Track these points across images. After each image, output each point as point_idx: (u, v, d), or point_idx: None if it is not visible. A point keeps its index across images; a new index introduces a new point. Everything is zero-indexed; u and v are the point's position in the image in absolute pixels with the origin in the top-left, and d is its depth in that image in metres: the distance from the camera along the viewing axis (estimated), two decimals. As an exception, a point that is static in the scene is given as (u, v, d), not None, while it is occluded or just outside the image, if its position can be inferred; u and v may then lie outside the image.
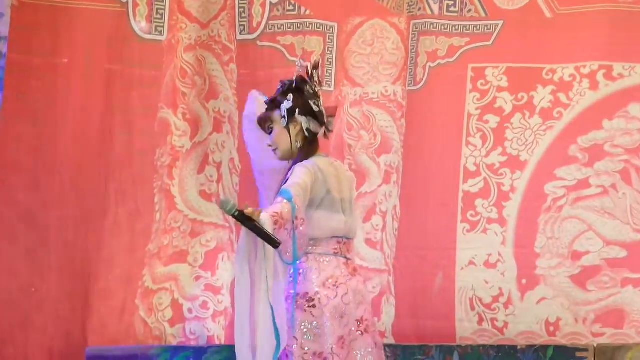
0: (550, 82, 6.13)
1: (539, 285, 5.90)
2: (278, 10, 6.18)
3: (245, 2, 6.16)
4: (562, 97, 6.12)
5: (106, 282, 5.89)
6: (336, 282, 4.43)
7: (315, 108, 4.52)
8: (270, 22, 6.18)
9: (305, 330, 4.33)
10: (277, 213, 4.11)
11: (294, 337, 4.31)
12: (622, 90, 6.09)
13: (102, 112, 5.92)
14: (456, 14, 6.22)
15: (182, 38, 6.06)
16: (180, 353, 5.85)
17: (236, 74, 6.11)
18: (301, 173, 4.35)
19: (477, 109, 6.15)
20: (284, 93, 4.56)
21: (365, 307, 4.50)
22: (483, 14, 6.20)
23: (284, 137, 4.51)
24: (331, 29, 6.22)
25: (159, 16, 6.07)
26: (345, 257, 4.53)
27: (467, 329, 6.04)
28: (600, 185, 5.89)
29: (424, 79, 6.17)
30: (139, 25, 6.00)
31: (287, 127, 4.50)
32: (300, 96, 4.51)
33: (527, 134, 6.06)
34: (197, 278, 6.09)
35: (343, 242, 4.53)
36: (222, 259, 6.11)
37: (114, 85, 5.94)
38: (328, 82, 6.18)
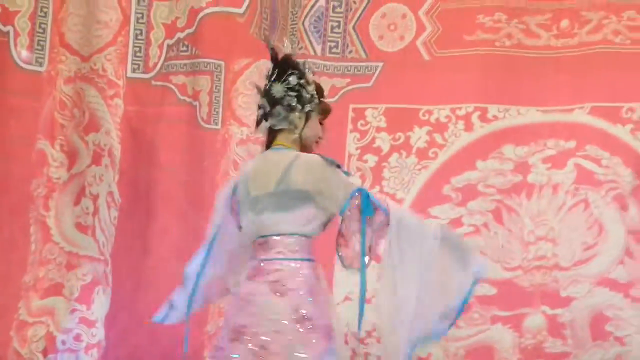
0: (427, 122, 6.38)
1: (413, 320, 6.14)
2: (173, 51, 6.49)
3: (141, 42, 6.47)
4: (438, 137, 6.37)
5: (-19, 311, 6.08)
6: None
7: None
8: (166, 63, 6.50)
9: None
10: None
11: None
12: (496, 132, 6.37)
13: (-22, 139, 6.18)
14: (338, 55, 6.52)
15: (61, 70, 6.33)
16: None
17: (122, 109, 6.35)
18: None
19: (357, 148, 6.41)
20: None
21: (250, 311, 4.41)
22: (364, 56, 6.50)
23: None
24: (219, 68, 6.50)
25: (39, 47, 6.32)
26: (259, 260, 4.47)
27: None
28: (473, 224, 6.12)
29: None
30: (20, 55, 6.22)
31: None
32: None
33: (404, 173, 6.29)
34: (73, 311, 6.25)
35: (257, 242, 4.46)
36: (98, 293, 6.28)
37: (-9, 113, 6.22)
38: (215, 120, 6.47)
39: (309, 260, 4.40)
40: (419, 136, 6.40)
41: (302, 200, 4.38)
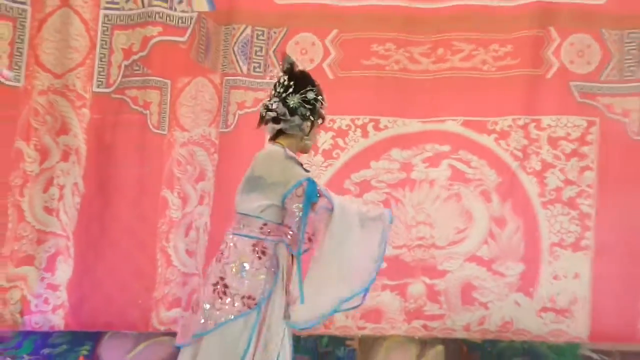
0: (331, 129, 6.88)
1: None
2: (128, 70, 6.98)
3: (104, 63, 7.03)
4: (340, 141, 6.90)
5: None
6: None
7: None
8: (122, 80, 6.98)
9: None
10: None
11: None
12: (387, 138, 6.86)
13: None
14: (261, 73, 6.99)
15: (36, 85, 6.95)
16: (29, 337, 6.68)
17: (88, 117, 6.94)
18: None
19: None
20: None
21: (205, 284, 4.58)
22: (281, 74, 6.85)
23: None
24: (166, 85, 6.99)
25: (17, 67, 6.97)
26: (232, 234, 4.61)
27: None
28: (368, 211, 6.60)
29: (234, 123, 6.96)
30: (1, 73, 6.85)
31: None
32: None
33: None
34: (42, 279, 6.80)
35: (236, 217, 4.63)
36: (60, 262, 6.80)
37: (-22, 120, 6.76)
38: (163, 127, 6.96)
39: (251, 237, 4.52)
40: (324, 140, 6.87)
41: (257, 185, 4.57)
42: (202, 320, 4.46)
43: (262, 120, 4.69)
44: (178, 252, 6.92)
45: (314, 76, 4.70)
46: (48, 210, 6.88)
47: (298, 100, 4.60)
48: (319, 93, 4.68)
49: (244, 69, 7.03)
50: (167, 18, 7.00)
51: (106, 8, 7.09)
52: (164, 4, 7.02)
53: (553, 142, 6.87)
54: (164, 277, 6.91)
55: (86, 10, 7.05)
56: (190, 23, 7.02)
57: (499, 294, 6.75)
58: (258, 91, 6.99)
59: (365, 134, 6.90)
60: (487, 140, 6.89)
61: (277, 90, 4.66)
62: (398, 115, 6.90)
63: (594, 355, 6.53)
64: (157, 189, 6.85)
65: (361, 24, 6.97)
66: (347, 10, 6.99)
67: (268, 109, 4.66)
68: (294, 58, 4.75)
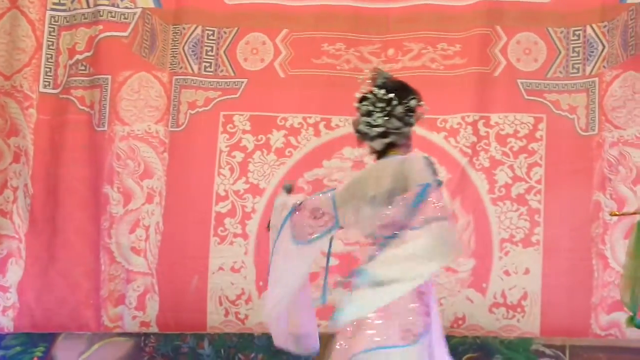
0: (284, 127, 6.92)
1: (271, 286, 6.62)
2: (72, 69, 7.05)
3: (51, 64, 7.11)
4: (293, 140, 6.92)
5: None
6: None
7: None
8: (68, 79, 7.06)
9: None
10: None
11: None
12: (339, 137, 6.91)
13: None
14: (212, 73, 7.04)
15: None
16: None
17: (35, 117, 7.01)
18: None
19: (226, 146, 6.92)
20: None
21: None
22: (232, 73, 7.03)
23: None
24: (106, 80, 7.04)
25: None
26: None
27: (215, 320, 6.76)
28: (320, 211, 6.66)
29: (185, 123, 7.01)
30: None
31: None
32: None
33: (265, 168, 6.85)
34: None
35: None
36: (11, 264, 6.87)
37: None
38: (103, 123, 7.01)
39: None
40: (277, 138, 6.92)
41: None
42: None
43: (365, 137, 4.69)
44: (121, 249, 6.98)
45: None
46: (2, 212, 6.97)
47: (402, 110, 4.63)
48: (420, 99, 4.72)
49: (195, 68, 7.10)
50: (110, 15, 7.08)
51: (52, 9, 7.16)
52: (107, 2, 7.11)
53: (501, 139, 6.94)
54: (108, 273, 6.99)
55: (32, 11, 7.12)
56: (133, 19, 7.07)
57: (451, 290, 6.83)
58: (209, 90, 7.07)
59: (317, 133, 7.00)
60: (437, 138, 6.95)
61: (378, 105, 4.64)
62: (349, 114, 6.41)
63: (547, 350, 6.59)
64: (100, 187, 7.00)
65: (311, 24, 7.06)
66: (297, 10, 7.07)
67: (372, 126, 4.65)
68: (386, 72, 4.75)
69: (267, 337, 6.32)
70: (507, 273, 6.88)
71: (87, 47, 7.10)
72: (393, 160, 4.53)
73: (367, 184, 4.53)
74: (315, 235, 4.60)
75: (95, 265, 6.98)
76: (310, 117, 7.00)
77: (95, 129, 7.11)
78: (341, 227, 4.61)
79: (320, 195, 4.67)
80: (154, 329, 6.84)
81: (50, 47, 7.12)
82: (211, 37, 7.13)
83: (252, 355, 6.52)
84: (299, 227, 4.60)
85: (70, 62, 7.06)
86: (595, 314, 6.74)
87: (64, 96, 7.06)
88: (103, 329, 6.89)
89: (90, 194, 7.05)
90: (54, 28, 7.13)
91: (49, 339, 6.78)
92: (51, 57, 7.11)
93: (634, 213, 5.86)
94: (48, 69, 7.08)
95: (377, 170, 4.56)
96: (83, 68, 7.07)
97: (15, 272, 6.88)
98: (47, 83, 7.09)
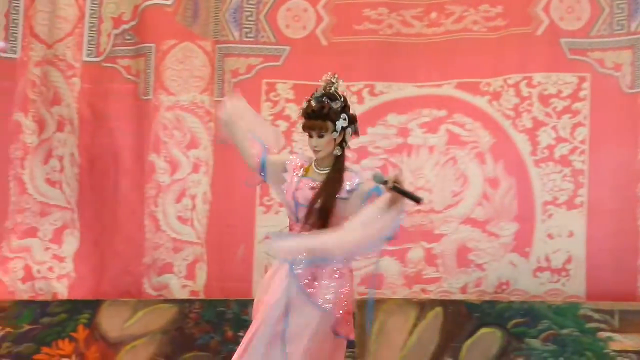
0: None
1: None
2: (119, 39, 7.14)
3: (94, 32, 7.14)
4: None
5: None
6: None
7: (356, 126, 4.71)
8: (113, 49, 7.13)
9: None
10: None
11: None
12: (382, 104, 6.96)
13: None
14: (252, 38, 7.10)
15: (32, 56, 7.02)
16: (28, 306, 6.79)
17: (79, 86, 7.05)
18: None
19: (270, 114, 6.95)
20: (339, 112, 4.66)
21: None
22: (273, 39, 7.09)
23: (331, 145, 4.63)
24: (150, 49, 7.10)
25: (13, 38, 7.09)
26: None
27: (261, 288, 6.99)
28: (361, 178, 6.74)
29: (229, 91, 7.00)
30: None
31: (335, 138, 4.62)
32: (349, 115, 4.67)
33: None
34: (46, 249, 6.96)
35: None
36: (67, 235, 6.98)
37: (-24, 93, 6.89)
38: (148, 91, 7.07)
39: None
40: None
41: None
42: None
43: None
44: (167, 218, 7.03)
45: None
46: (50, 182, 7.03)
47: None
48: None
49: (236, 35, 7.15)
50: (153, -18, 7.10)
51: (95, -24, 7.19)
52: (150, -30, 7.12)
53: (544, 99, 6.95)
54: (152, 242, 7.04)
55: (75, -22, 7.16)
56: (177, -13, 7.11)
57: (494, 255, 6.86)
58: (250, 57, 7.13)
59: (360, 100, 6.98)
60: (480, 102, 6.98)
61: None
62: (393, 80, 7.01)
63: (595, 315, 6.59)
64: (146, 156, 7.07)
65: (353, -12, 7.04)
66: (338, -25, 7.09)
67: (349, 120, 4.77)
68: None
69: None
70: (550, 236, 6.91)
71: (133, 16, 7.17)
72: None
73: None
74: None
75: (138, 233, 7.04)
76: (353, 85, 6.95)
77: (141, 97, 7.17)
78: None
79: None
80: (202, 296, 6.98)
81: (93, 16, 7.18)
82: (251, 2, 7.17)
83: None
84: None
85: (117, 31, 7.14)
86: (642, 276, 6.73)
87: (108, 64, 7.14)
88: (145, 296, 6.98)
89: (134, 162, 7.13)
90: (96, -5, 7.18)
91: (93, 306, 6.88)
92: (93, 26, 7.18)
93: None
94: (91, 37, 7.15)
95: None
96: (129, 37, 7.15)
97: (70, 243, 6.99)
98: (90, 52, 7.16)
